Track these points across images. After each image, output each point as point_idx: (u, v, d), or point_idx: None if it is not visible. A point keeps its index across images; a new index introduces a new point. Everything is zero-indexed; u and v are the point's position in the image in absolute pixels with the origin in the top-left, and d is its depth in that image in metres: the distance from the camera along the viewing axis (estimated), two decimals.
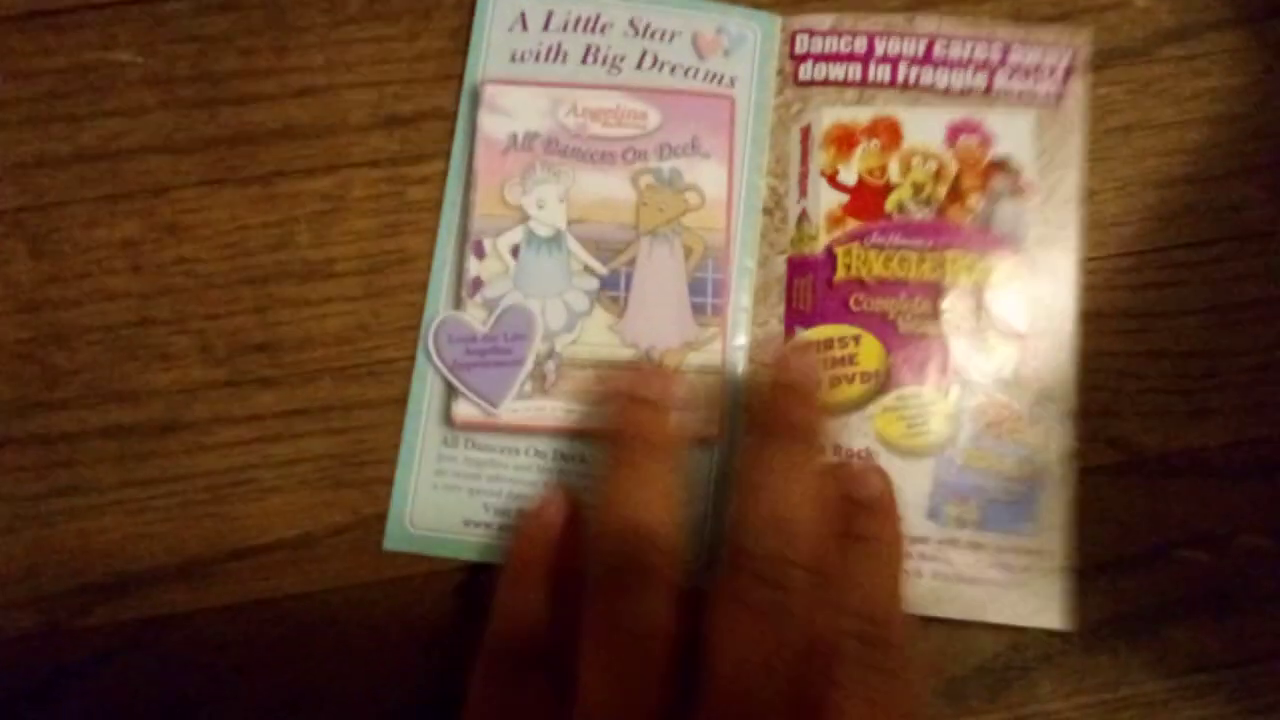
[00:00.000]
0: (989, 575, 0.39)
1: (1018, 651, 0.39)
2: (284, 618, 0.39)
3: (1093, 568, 0.40)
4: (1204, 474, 0.40)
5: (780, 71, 0.42)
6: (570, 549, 0.38)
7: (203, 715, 0.38)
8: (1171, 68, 0.42)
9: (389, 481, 0.39)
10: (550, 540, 0.37)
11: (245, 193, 0.41)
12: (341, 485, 0.39)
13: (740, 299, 0.40)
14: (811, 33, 0.42)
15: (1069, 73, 0.41)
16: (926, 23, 0.42)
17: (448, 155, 0.41)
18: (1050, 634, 0.39)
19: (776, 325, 0.40)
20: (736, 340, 0.40)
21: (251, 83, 0.41)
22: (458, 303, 0.40)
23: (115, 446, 0.39)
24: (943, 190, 0.41)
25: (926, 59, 0.41)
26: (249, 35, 0.42)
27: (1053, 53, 0.42)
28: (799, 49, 0.42)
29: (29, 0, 0.41)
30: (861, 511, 0.36)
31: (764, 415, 0.37)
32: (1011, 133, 0.41)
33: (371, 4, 0.42)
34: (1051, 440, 0.40)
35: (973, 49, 0.41)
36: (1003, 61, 0.41)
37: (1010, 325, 0.40)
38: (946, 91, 0.41)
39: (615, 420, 0.38)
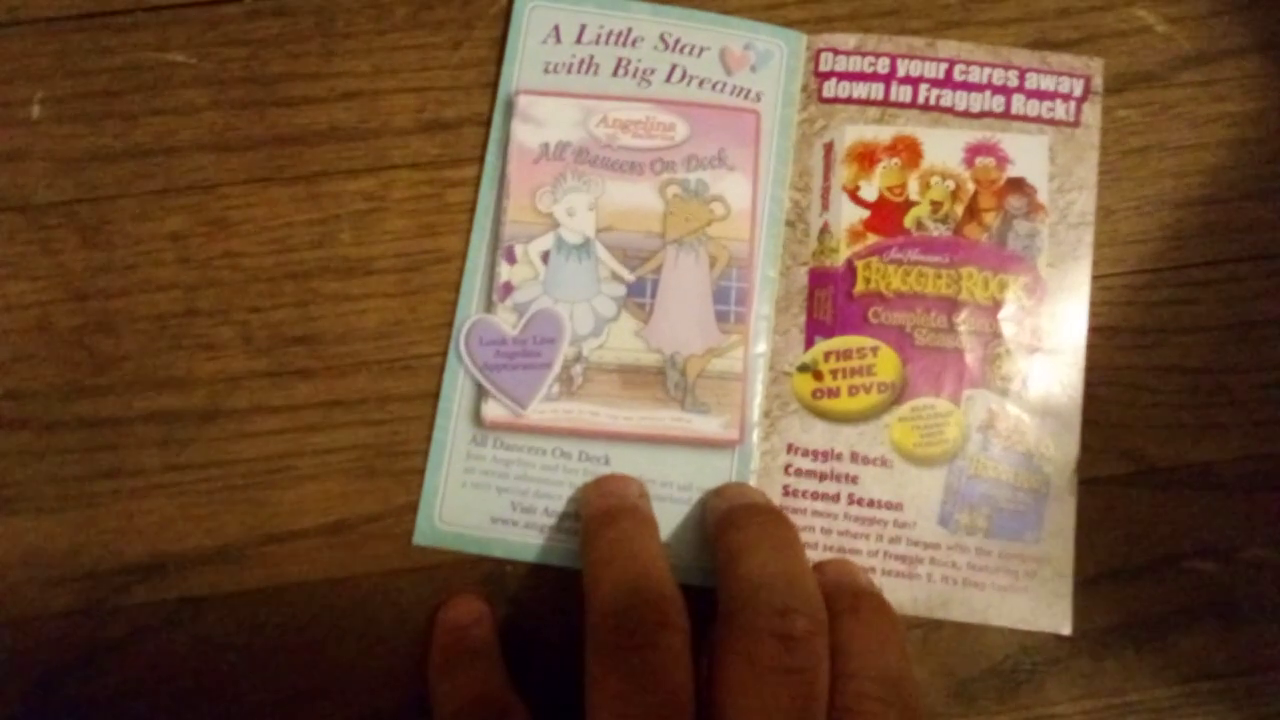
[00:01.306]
0: (995, 580, 0.40)
1: (1026, 655, 0.40)
2: (316, 601, 0.40)
3: (1102, 575, 0.41)
4: (1213, 487, 0.41)
5: (805, 88, 0.43)
6: (486, 637, 0.39)
7: (236, 693, 0.40)
8: (1190, 92, 0.43)
9: (421, 472, 0.40)
10: (464, 634, 0.38)
11: (291, 191, 0.42)
12: (375, 475, 0.41)
13: (762, 308, 0.41)
14: (836, 51, 0.43)
15: (1082, 99, 0.42)
16: (946, 47, 0.43)
17: (484, 161, 0.42)
18: (1059, 639, 0.40)
19: (797, 334, 0.41)
20: (758, 347, 0.41)
21: (299, 86, 0.43)
22: (489, 306, 0.41)
23: (159, 432, 0.41)
24: (960, 209, 0.42)
25: (946, 81, 0.42)
26: (298, 40, 0.43)
27: (1067, 79, 0.43)
28: (823, 67, 0.43)
29: (89, 1, 0.43)
30: (857, 593, 0.37)
31: (740, 501, 0.38)
32: (1027, 155, 0.42)
33: (417, 13, 0.43)
34: (1059, 452, 0.41)
35: (990, 74, 0.42)
36: (1019, 86, 0.42)
37: (1022, 340, 0.41)
38: (965, 113, 0.42)
39: (590, 502, 0.39)
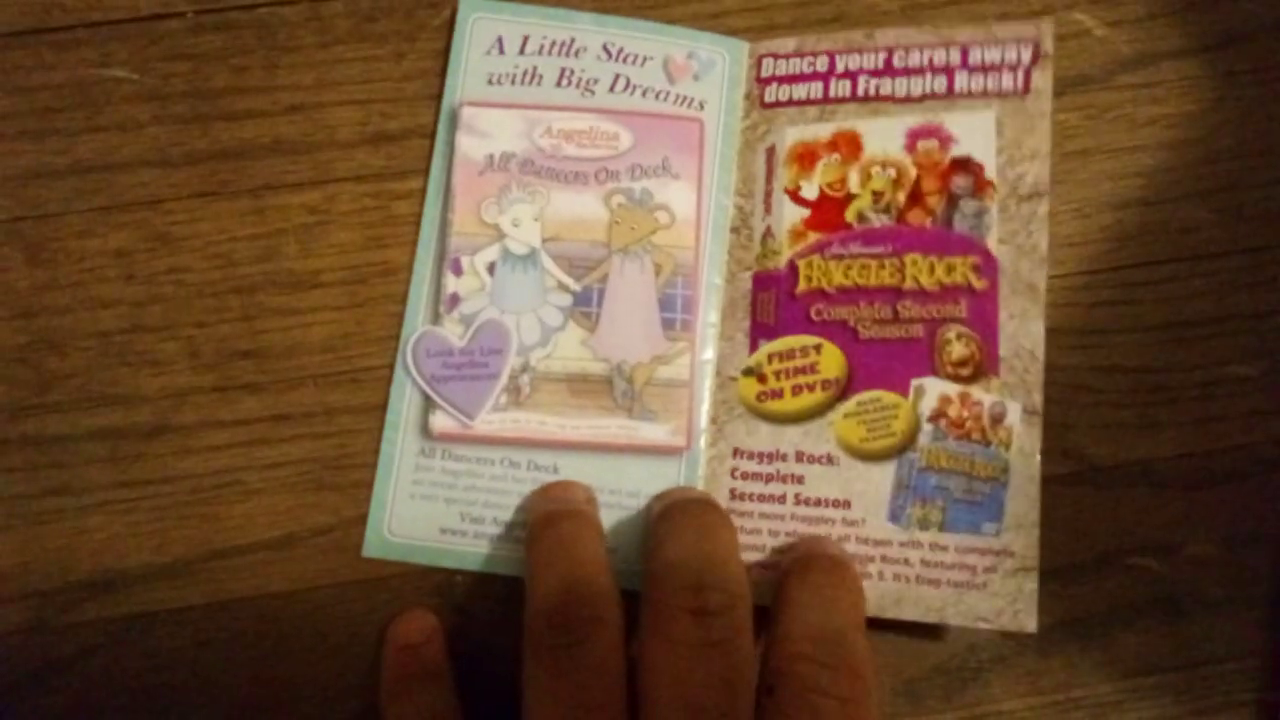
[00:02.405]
0: (951, 577, 0.39)
1: (973, 653, 0.41)
2: (265, 615, 0.40)
3: (1047, 573, 0.40)
4: (1154, 484, 0.42)
5: (747, 95, 0.43)
6: (436, 656, 0.39)
7: (186, 709, 0.39)
8: (1128, 95, 0.44)
9: (369, 485, 0.41)
10: (415, 653, 0.39)
11: (235, 205, 0.42)
12: (323, 488, 0.41)
13: (708, 315, 0.42)
14: (776, 56, 0.43)
15: (1032, 63, 0.41)
16: (886, 36, 0.42)
17: (429, 173, 0.42)
18: (1005, 636, 0.41)
19: (742, 339, 0.41)
20: (704, 354, 0.41)
21: (243, 100, 0.42)
22: (435, 317, 0.41)
23: (105, 449, 0.41)
24: (902, 195, 0.41)
25: (886, 70, 0.42)
26: (241, 54, 0.43)
27: (1014, 46, 0.41)
28: (765, 72, 0.43)
29: (28, 17, 0.43)
30: (810, 557, 0.37)
31: (677, 498, 0.39)
32: (972, 131, 0.41)
33: (360, 25, 0.43)
34: (1015, 438, 0.40)
35: (931, 55, 0.42)
36: (963, 63, 0.42)
37: (967, 325, 0.41)
38: (905, 99, 0.42)
39: (535, 507, 0.39)
